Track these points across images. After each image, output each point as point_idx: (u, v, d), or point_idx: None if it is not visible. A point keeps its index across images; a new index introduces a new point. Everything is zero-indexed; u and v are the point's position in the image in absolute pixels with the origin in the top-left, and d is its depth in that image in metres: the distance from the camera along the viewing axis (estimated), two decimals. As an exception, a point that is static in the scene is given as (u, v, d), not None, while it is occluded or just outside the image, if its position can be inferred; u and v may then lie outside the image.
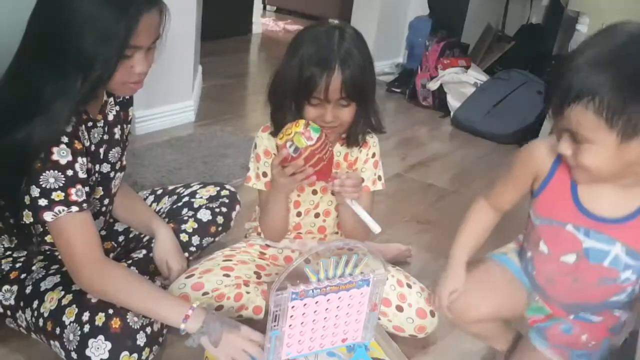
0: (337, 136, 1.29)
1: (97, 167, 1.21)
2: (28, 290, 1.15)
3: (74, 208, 1.05)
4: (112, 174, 1.27)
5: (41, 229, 1.21)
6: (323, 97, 1.16)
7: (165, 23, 1.09)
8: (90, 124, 1.16)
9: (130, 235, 1.46)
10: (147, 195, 1.57)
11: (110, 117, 1.24)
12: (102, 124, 1.21)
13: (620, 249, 1.00)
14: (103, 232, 1.39)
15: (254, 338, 1.10)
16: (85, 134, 1.14)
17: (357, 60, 1.16)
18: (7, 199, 1.10)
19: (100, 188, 1.25)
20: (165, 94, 2.47)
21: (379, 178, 1.36)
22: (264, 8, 5.45)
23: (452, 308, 1.19)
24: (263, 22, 4.99)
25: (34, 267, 1.20)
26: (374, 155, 1.35)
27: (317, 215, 1.39)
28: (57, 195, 1.03)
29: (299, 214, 1.37)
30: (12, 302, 1.16)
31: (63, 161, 1.04)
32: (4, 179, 1.06)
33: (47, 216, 1.03)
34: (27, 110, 1.01)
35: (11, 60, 1.07)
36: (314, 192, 1.36)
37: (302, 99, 1.19)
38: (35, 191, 1.03)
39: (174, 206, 1.51)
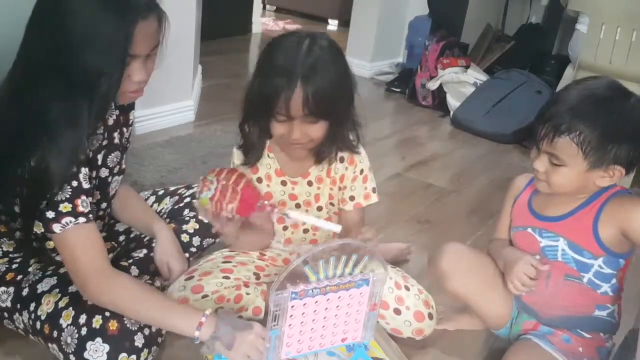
0: (309, 152, 1.22)
1: (94, 173, 1.19)
2: (25, 292, 1.14)
3: (81, 219, 1.05)
4: (110, 178, 1.26)
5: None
6: (285, 114, 1.10)
7: (164, 30, 1.07)
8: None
9: (131, 235, 1.45)
10: (149, 195, 1.57)
11: (110, 122, 1.23)
12: (101, 130, 1.19)
13: (563, 243, 1.18)
14: (104, 233, 1.39)
15: (266, 335, 1.08)
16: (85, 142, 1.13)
17: (325, 75, 1.08)
18: (22, 217, 1.09)
19: (98, 192, 1.25)
20: (165, 93, 2.46)
21: (373, 190, 1.32)
22: (264, 8, 5.44)
23: None
24: (263, 21, 4.98)
25: (30, 269, 1.19)
26: (362, 171, 1.30)
27: (305, 231, 1.37)
28: (64, 207, 1.03)
29: (286, 228, 1.36)
30: (9, 304, 1.15)
31: None
32: (20, 202, 1.06)
33: (56, 228, 1.03)
34: (34, 136, 0.99)
35: (9, 71, 1.05)
36: (297, 206, 1.33)
37: (267, 115, 1.13)
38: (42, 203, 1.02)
39: (176, 207, 1.50)
